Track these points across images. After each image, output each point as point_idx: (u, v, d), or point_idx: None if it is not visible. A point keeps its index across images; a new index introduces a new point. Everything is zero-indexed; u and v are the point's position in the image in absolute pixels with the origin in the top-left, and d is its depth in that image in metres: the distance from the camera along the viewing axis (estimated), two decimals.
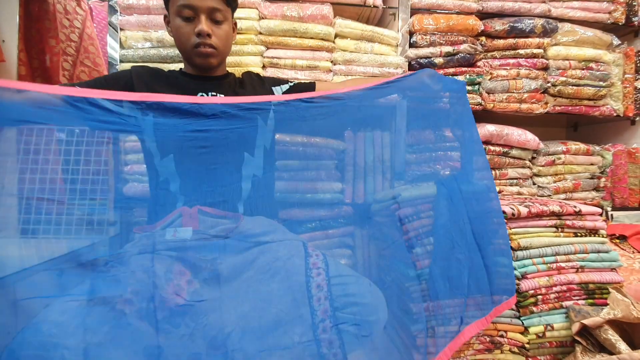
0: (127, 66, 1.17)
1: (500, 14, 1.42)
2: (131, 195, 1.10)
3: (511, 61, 1.41)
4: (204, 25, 0.85)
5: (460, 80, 1.30)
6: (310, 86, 1.03)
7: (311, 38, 1.24)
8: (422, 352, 0.88)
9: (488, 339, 0.98)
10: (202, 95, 0.88)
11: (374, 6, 1.31)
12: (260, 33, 1.23)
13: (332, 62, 1.27)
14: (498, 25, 1.38)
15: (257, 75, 1.03)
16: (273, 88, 0.98)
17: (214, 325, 0.70)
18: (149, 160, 0.84)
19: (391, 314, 0.83)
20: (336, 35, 1.28)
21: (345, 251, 1.19)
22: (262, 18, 1.24)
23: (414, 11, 1.36)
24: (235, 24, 0.99)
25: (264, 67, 1.25)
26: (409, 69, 1.35)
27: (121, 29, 1.17)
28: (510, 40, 1.40)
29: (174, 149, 0.78)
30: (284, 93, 0.98)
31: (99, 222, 1.34)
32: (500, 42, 1.41)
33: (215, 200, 0.84)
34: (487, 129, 1.32)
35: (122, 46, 1.16)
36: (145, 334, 0.59)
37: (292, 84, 1.01)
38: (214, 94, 0.90)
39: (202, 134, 0.76)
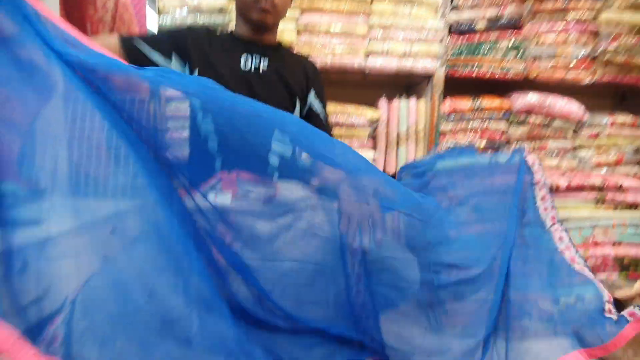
0: None
1: None
2: (172, 158, 1.16)
3: (559, 26, 1.32)
4: None
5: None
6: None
7: (347, 1, 1.20)
8: (450, 314, 0.91)
9: None
10: (246, 57, 0.89)
11: None
12: None
13: (369, 27, 1.24)
14: None
15: (313, 67, 0.99)
16: (311, 90, 0.95)
17: (256, 284, 0.75)
18: (191, 118, 0.86)
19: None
20: None
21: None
22: None
23: None
24: None
25: (298, 33, 1.23)
26: (449, 34, 1.29)
27: None
28: (560, 4, 1.30)
29: (214, 109, 0.80)
30: (307, 109, 0.96)
31: (142, 186, 1.42)
32: (549, 5, 1.31)
33: (251, 167, 0.87)
34: (529, 98, 1.27)
35: (159, 12, 1.17)
36: (198, 285, 0.65)
37: (318, 112, 0.96)
38: (259, 57, 0.90)
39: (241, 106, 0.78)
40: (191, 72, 0.88)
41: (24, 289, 0.54)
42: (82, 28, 1.52)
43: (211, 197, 0.81)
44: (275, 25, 0.94)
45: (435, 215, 0.94)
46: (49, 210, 1.01)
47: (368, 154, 1.22)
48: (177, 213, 0.78)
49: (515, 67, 1.30)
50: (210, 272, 0.71)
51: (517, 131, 1.30)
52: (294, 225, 0.84)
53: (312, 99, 0.95)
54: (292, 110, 0.92)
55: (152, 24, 1.20)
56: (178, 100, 0.99)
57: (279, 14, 0.91)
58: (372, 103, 1.29)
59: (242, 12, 0.91)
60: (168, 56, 0.87)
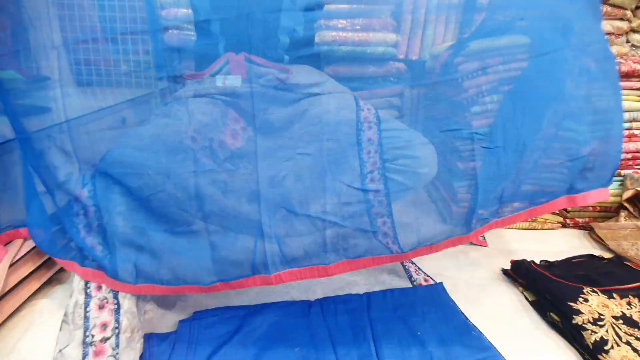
0: None
1: None
2: (173, 43, 1.06)
3: None
4: None
5: None
6: None
7: None
8: (460, 205, 0.92)
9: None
10: None
11: None
12: None
13: None
14: None
15: None
16: None
17: (270, 168, 0.74)
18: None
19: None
20: None
21: (392, 112, 1.15)
22: None
23: None
24: None
25: None
26: None
27: None
28: None
29: None
30: None
31: (146, 76, 1.35)
32: None
33: (257, 47, 0.78)
34: None
35: None
36: (212, 170, 0.65)
37: None
38: None
39: None
40: None
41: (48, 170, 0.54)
42: None
43: (219, 80, 0.75)
44: None
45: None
46: (56, 99, 0.98)
47: (389, 37, 1.08)
48: (185, 99, 0.74)
49: None
50: (220, 155, 0.69)
51: None
52: (308, 111, 0.79)
53: None
54: None
55: None
56: None
57: None
58: None
59: None
60: None
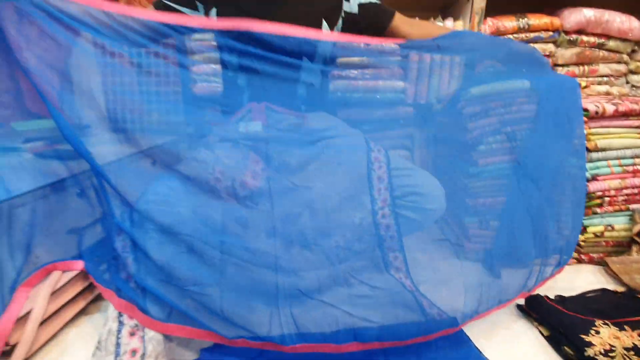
0: None
1: None
2: (201, 94, 1.18)
3: None
4: None
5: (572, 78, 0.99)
6: (388, 16, 0.91)
7: None
8: (473, 240, 0.94)
9: None
10: None
11: None
12: None
13: None
14: None
15: None
16: None
17: (286, 206, 0.80)
18: (217, 54, 0.86)
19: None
20: None
21: (403, 152, 1.21)
22: None
23: None
24: None
25: None
26: None
27: None
28: None
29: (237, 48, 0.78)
30: (359, 6, 0.89)
31: (176, 123, 1.48)
32: None
33: (278, 99, 0.87)
34: (584, 14, 1.12)
35: None
36: (234, 207, 0.71)
37: (372, 1, 0.89)
38: None
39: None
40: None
41: (84, 210, 0.61)
42: None
43: (242, 127, 0.83)
44: None
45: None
46: (94, 144, 1.10)
47: (396, 84, 1.17)
48: (212, 144, 0.82)
49: None
50: (240, 194, 0.75)
51: (566, 53, 1.18)
52: (323, 153, 0.86)
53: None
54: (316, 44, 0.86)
55: None
56: (201, 32, 0.98)
57: None
58: None
59: None
60: (194, 7, 0.85)
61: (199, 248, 0.65)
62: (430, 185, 0.81)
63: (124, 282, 0.64)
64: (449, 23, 1.15)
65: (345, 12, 0.89)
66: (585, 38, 1.16)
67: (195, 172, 0.72)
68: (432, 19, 1.17)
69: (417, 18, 1.18)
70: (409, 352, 0.66)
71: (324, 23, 0.86)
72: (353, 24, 0.91)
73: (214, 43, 0.97)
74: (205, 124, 1.20)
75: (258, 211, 0.77)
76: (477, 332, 0.73)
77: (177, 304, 0.62)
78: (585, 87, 1.19)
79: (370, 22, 0.90)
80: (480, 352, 0.68)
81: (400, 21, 0.92)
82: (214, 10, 0.84)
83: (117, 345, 0.59)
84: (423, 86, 1.20)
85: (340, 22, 0.90)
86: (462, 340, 0.71)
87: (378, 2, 0.90)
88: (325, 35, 0.83)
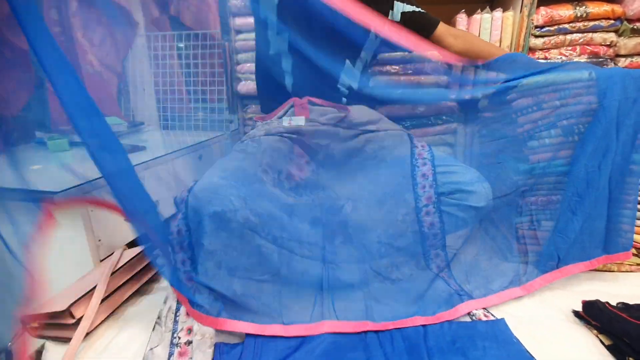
0: None
1: None
2: (244, 92, 1.22)
3: None
4: None
5: None
6: (431, 24, 0.90)
7: None
8: (522, 242, 0.89)
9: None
10: None
11: None
12: None
13: None
14: None
15: None
16: (395, 2, 0.88)
17: (330, 198, 0.81)
18: (262, 32, 0.87)
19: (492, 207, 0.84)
20: None
21: (445, 149, 1.18)
22: None
23: None
24: None
25: None
26: None
27: None
28: None
29: (290, 27, 0.79)
30: (401, 15, 0.88)
31: (219, 120, 1.55)
32: None
33: (319, 92, 0.87)
34: None
35: None
36: (280, 196, 0.73)
37: (416, 10, 0.89)
38: None
39: (318, 23, 0.77)
40: None
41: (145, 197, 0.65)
42: None
43: (286, 121, 0.85)
44: None
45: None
46: (147, 140, 1.17)
47: (441, 79, 1.14)
48: (258, 138, 0.84)
49: None
50: (286, 185, 0.77)
51: (629, 43, 1.09)
52: (365, 147, 0.86)
53: (401, 6, 0.88)
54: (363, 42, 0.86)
55: None
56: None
57: None
58: (450, 22, 1.17)
59: None
60: None
61: (248, 237, 0.67)
62: (477, 183, 0.79)
63: (177, 269, 0.68)
64: (498, 14, 1.10)
65: (389, 20, 0.89)
66: None
67: (244, 163, 0.75)
68: (479, 11, 1.13)
69: (463, 11, 1.14)
70: (453, 350, 0.64)
71: (371, 31, 0.86)
72: None
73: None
74: (247, 119, 1.24)
75: (302, 202, 0.78)
76: (527, 336, 0.69)
77: (224, 292, 0.64)
78: None
79: (413, 31, 0.89)
80: (532, 355, 0.64)
81: (444, 30, 0.91)
82: None
83: (175, 322, 0.63)
84: (469, 79, 1.15)
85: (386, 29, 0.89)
86: (511, 342, 0.67)
87: (422, 10, 0.89)
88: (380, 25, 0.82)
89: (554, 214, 0.85)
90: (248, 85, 1.20)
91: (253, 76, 1.19)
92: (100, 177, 0.69)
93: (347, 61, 0.87)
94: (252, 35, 1.16)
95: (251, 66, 1.19)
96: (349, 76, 0.88)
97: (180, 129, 1.59)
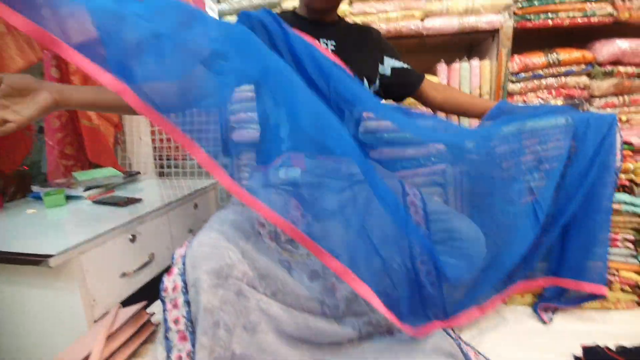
0: (229, 19, 1.25)
1: None
2: (239, 140, 1.25)
3: None
4: None
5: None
6: (417, 80, 0.99)
7: None
8: (521, 285, 0.91)
9: None
10: (323, 42, 0.90)
11: None
12: None
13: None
14: None
15: (378, 35, 0.99)
16: (385, 57, 0.95)
17: (326, 248, 0.81)
18: (262, 105, 0.91)
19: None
20: None
21: (436, 189, 1.21)
22: None
23: None
24: None
25: (350, 1, 1.21)
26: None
27: None
28: None
29: (287, 99, 0.83)
30: (391, 70, 0.96)
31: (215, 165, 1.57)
32: None
33: (317, 151, 0.90)
34: (617, 46, 1.11)
35: (218, 1, 1.23)
36: (276, 250, 0.74)
37: (404, 66, 0.97)
38: (325, 41, 0.90)
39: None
40: None
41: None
42: None
43: (282, 172, 0.87)
44: (338, 5, 0.93)
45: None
46: (144, 189, 1.16)
47: (426, 123, 1.19)
48: (253, 189, 0.86)
49: (602, 10, 1.13)
50: (282, 238, 0.78)
51: (602, 85, 1.16)
52: (358, 197, 0.87)
53: (391, 62, 0.96)
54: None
55: (212, 12, 1.27)
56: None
57: None
58: (431, 70, 1.24)
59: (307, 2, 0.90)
60: None
61: (245, 291, 0.67)
62: (469, 230, 0.80)
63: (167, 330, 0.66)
64: (475, 62, 1.17)
65: (380, 74, 0.96)
66: (622, 69, 1.14)
67: (241, 216, 0.76)
68: (457, 60, 1.20)
69: (442, 60, 1.22)
70: None
71: (365, 81, 0.91)
72: (387, 86, 0.97)
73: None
74: (242, 166, 1.27)
75: (298, 255, 0.79)
76: None
77: (222, 354, 0.63)
78: (627, 121, 1.15)
79: (401, 85, 0.97)
80: None
81: (427, 85, 0.99)
82: None
83: None
84: (454, 121, 1.21)
85: (377, 82, 0.96)
86: None
87: (409, 67, 0.97)
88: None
89: (545, 255, 0.87)
90: (242, 134, 1.24)
91: (246, 125, 1.23)
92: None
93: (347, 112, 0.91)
94: (244, 87, 1.21)
95: (245, 116, 1.23)
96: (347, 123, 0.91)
97: (177, 175, 1.62)
